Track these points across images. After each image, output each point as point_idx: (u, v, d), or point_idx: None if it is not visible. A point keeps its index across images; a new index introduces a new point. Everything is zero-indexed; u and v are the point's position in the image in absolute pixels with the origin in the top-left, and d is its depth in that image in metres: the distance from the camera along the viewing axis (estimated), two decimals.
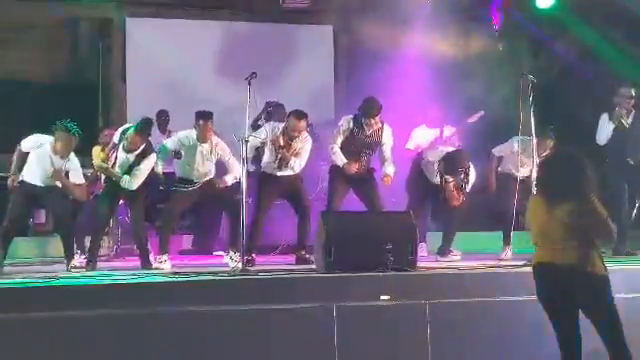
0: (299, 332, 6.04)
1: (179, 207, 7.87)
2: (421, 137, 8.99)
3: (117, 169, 7.49)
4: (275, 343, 6.00)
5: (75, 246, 7.80)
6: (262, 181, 7.91)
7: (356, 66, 10.28)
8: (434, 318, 6.22)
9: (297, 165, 7.93)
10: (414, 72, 9.92)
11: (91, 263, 7.50)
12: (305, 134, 7.97)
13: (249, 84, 7.25)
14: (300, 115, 7.83)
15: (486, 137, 8.83)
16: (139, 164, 7.49)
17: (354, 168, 7.86)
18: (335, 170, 8.02)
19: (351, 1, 10.80)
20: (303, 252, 7.92)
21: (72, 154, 7.39)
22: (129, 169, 7.49)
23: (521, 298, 6.45)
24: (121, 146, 7.51)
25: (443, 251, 8.25)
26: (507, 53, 11.16)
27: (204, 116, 7.78)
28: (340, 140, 7.94)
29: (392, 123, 8.24)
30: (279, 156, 7.83)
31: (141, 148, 7.51)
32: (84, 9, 11.10)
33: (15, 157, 7.33)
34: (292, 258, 8.09)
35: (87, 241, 8.60)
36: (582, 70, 10.54)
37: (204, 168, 7.85)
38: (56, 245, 8.04)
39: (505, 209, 7.94)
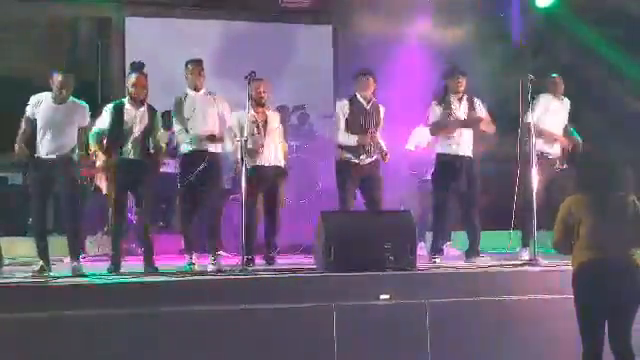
0: (299, 332, 6.04)
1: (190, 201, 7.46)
2: (420, 137, 9.01)
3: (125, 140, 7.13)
4: (275, 343, 6.00)
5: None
6: (248, 177, 7.41)
7: (356, 66, 10.25)
8: (434, 317, 6.22)
9: (273, 151, 7.71)
10: (414, 71, 9.91)
11: (114, 265, 7.06)
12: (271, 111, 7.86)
13: (248, 83, 7.24)
14: (258, 78, 7.56)
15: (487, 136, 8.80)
16: (154, 121, 7.24)
17: (368, 138, 7.71)
18: (342, 166, 7.85)
19: (351, 0, 10.80)
20: (270, 253, 7.78)
21: (80, 102, 7.11)
22: (144, 132, 7.14)
23: (521, 297, 6.46)
24: (126, 104, 7.18)
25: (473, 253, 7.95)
26: (507, 52, 11.17)
27: (193, 61, 7.59)
28: (343, 124, 7.81)
29: (392, 123, 8.23)
30: (255, 131, 7.57)
31: (145, 106, 7.22)
32: (84, 9, 11.09)
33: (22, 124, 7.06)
34: (293, 258, 8.11)
35: (87, 241, 8.63)
36: (581, 69, 10.53)
37: (207, 123, 7.44)
38: (56, 245, 8.01)
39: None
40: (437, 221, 8.07)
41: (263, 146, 7.65)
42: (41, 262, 6.87)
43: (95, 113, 7.86)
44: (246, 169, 7.15)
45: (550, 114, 8.13)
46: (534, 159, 7.46)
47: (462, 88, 7.93)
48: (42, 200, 7.03)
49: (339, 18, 11.21)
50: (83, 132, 7.11)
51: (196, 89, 7.56)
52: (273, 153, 7.76)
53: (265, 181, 7.70)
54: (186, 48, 10.84)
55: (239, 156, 7.12)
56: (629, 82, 10.36)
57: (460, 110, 7.93)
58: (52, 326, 5.70)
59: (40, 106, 7.02)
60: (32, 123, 7.00)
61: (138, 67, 7.35)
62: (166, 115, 9.66)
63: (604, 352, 5.00)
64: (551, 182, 7.88)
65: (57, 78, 6.99)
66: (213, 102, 7.56)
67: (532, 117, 7.78)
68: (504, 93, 9.62)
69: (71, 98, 7.10)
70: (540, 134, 7.80)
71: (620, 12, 10.43)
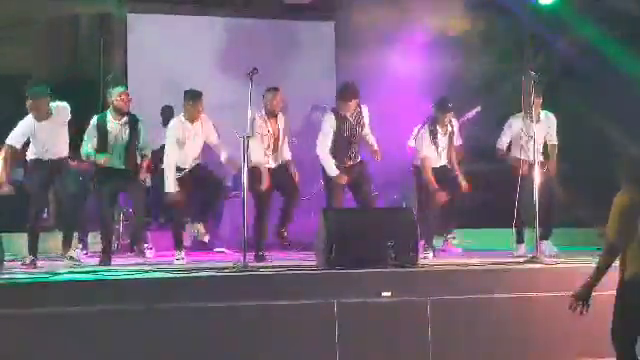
0: (300, 328, 6.03)
1: (181, 196, 7.72)
2: None
3: (111, 150, 7.48)
4: (276, 339, 6.00)
5: (77, 240, 7.84)
6: (257, 177, 7.75)
7: (358, 63, 10.26)
8: (435, 315, 6.22)
9: (287, 151, 8.04)
10: (416, 68, 9.90)
11: (105, 259, 7.48)
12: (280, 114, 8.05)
13: (250, 80, 7.23)
14: (275, 89, 7.88)
15: (488, 134, 8.80)
16: (137, 133, 7.56)
17: (344, 179, 7.84)
18: (330, 178, 7.94)
19: None
20: (283, 230, 7.98)
21: (63, 108, 7.38)
22: (128, 142, 7.51)
23: (522, 295, 6.45)
24: (109, 119, 7.48)
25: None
26: (509, 50, 11.15)
27: (194, 96, 7.70)
28: (329, 142, 7.89)
29: (393, 119, 8.22)
30: (269, 145, 7.87)
31: (127, 116, 7.53)
32: (85, 5, 11.07)
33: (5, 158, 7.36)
34: (294, 255, 8.12)
35: (89, 237, 8.63)
36: (583, 67, 10.52)
37: (194, 152, 7.76)
38: (56, 241, 8.03)
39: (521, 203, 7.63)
40: (422, 221, 8.09)
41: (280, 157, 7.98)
42: (32, 256, 7.24)
43: (96, 110, 7.89)
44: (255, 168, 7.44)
45: (521, 140, 8.01)
46: (536, 159, 7.47)
47: (448, 122, 8.22)
48: (40, 197, 7.40)
49: (341, 14, 11.19)
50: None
51: (191, 121, 7.74)
52: (285, 152, 8.06)
53: (278, 179, 7.89)
54: (188, 44, 10.87)
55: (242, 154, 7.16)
56: (631, 80, 10.35)
57: (443, 140, 8.25)
58: (53, 322, 5.69)
59: (31, 132, 7.33)
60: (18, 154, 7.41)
61: (118, 78, 7.79)
62: (167, 109, 9.70)
63: None
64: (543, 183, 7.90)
65: (28, 103, 7.26)
66: (201, 128, 7.79)
67: (503, 143, 8.22)
68: (506, 90, 9.62)
69: (52, 105, 7.36)
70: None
71: (622, 10, 10.42)
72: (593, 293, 4.81)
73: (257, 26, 11.24)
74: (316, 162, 8.62)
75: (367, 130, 8.03)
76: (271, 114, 7.93)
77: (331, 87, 11.12)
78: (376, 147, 8.01)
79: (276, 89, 7.94)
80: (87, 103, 10.04)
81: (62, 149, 7.44)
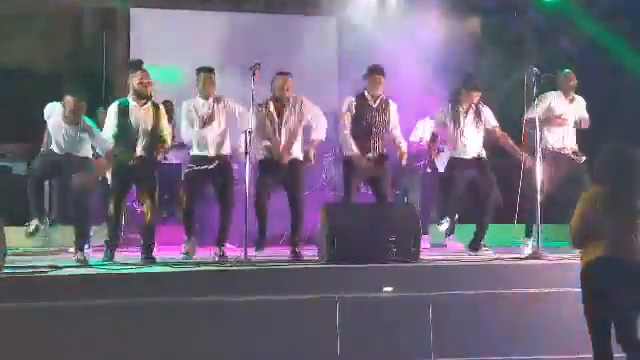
0: (301, 323, 6.03)
1: (196, 189, 7.55)
2: (424, 130, 9.00)
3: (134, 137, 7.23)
4: (277, 334, 6.00)
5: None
6: (260, 170, 7.60)
7: (360, 58, 10.25)
8: (437, 310, 6.21)
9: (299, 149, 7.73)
10: (418, 63, 9.88)
11: (109, 254, 7.27)
12: (305, 101, 7.77)
13: (253, 74, 7.22)
14: (285, 73, 7.67)
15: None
16: (159, 113, 7.32)
17: (364, 162, 7.63)
18: (349, 162, 7.79)
19: None
20: (297, 248, 7.61)
21: (88, 121, 7.13)
22: (151, 128, 7.21)
23: (524, 290, 6.45)
24: (131, 104, 7.23)
25: (476, 246, 8.01)
26: (512, 45, 11.14)
27: (204, 69, 7.54)
28: (349, 122, 7.74)
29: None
30: (272, 123, 7.62)
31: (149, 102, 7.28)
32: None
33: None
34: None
35: (92, 231, 8.63)
36: (586, 63, 10.50)
37: (213, 133, 7.50)
38: (59, 235, 8.04)
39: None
40: (444, 204, 8.11)
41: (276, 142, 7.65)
42: (35, 221, 7.04)
43: (99, 105, 7.89)
44: (256, 161, 7.35)
45: (554, 113, 7.99)
46: (539, 153, 7.44)
47: (474, 102, 8.02)
48: (41, 179, 7.23)
49: (343, 9, 11.19)
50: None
51: (206, 97, 7.55)
52: (287, 146, 7.72)
53: (278, 173, 7.64)
54: (190, 40, 10.87)
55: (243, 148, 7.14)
56: (635, 76, 10.35)
57: (465, 120, 8.00)
58: (54, 316, 5.70)
59: (50, 119, 7.09)
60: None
61: (139, 64, 7.36)
62: (168, 104, 9.70)
63: None
64: (570, 177, 7.84)
65: (69, 101, 6.96)
66: (222, 108, 7.57)
67: (535, 113, 7.70)
68: (509, 87, 9.61)
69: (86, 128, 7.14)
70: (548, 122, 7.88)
71: (625, 5, 10.41)
72: None
73: (259, 21, 11.24)
74: (318, 157, 8.61)
75: (396, 130, 7.87)
76: (278, 100, 7.65)
77: (333, 81, 11.15)
78: (404, 149, 7.81)
79: (287, 74, 7.68)
80: (89, 98, 10.07)
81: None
